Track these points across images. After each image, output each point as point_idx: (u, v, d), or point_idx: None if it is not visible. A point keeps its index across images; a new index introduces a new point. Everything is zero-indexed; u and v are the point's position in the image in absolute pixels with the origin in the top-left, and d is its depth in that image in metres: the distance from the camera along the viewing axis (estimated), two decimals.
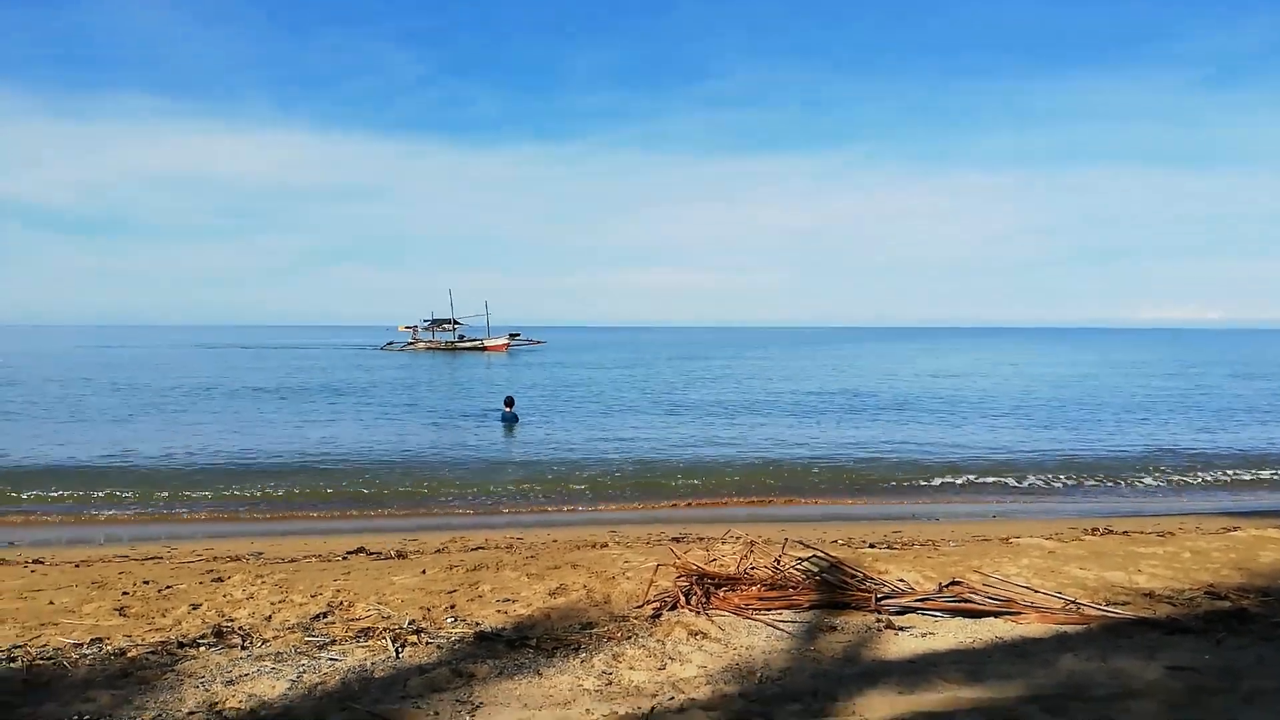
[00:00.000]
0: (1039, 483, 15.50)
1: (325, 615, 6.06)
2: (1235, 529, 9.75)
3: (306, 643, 5.34)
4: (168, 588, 7.08)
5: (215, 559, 8.74)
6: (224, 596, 6.73)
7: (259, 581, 7.19)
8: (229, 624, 5.86)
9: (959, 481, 15.50)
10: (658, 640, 5.28)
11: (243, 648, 5.26)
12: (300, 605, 6.36)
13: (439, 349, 74.85)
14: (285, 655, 5.08)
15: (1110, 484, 15.61)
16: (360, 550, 9.09)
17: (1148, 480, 15.91)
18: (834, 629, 5.53)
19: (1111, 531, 9.84)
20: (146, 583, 7.29)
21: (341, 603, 6.41)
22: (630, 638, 5.34)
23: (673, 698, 4.40)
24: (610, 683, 4.61)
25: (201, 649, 5.24)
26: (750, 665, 4.86)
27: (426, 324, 78.73)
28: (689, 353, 79.58)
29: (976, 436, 21.42)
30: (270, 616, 6.08)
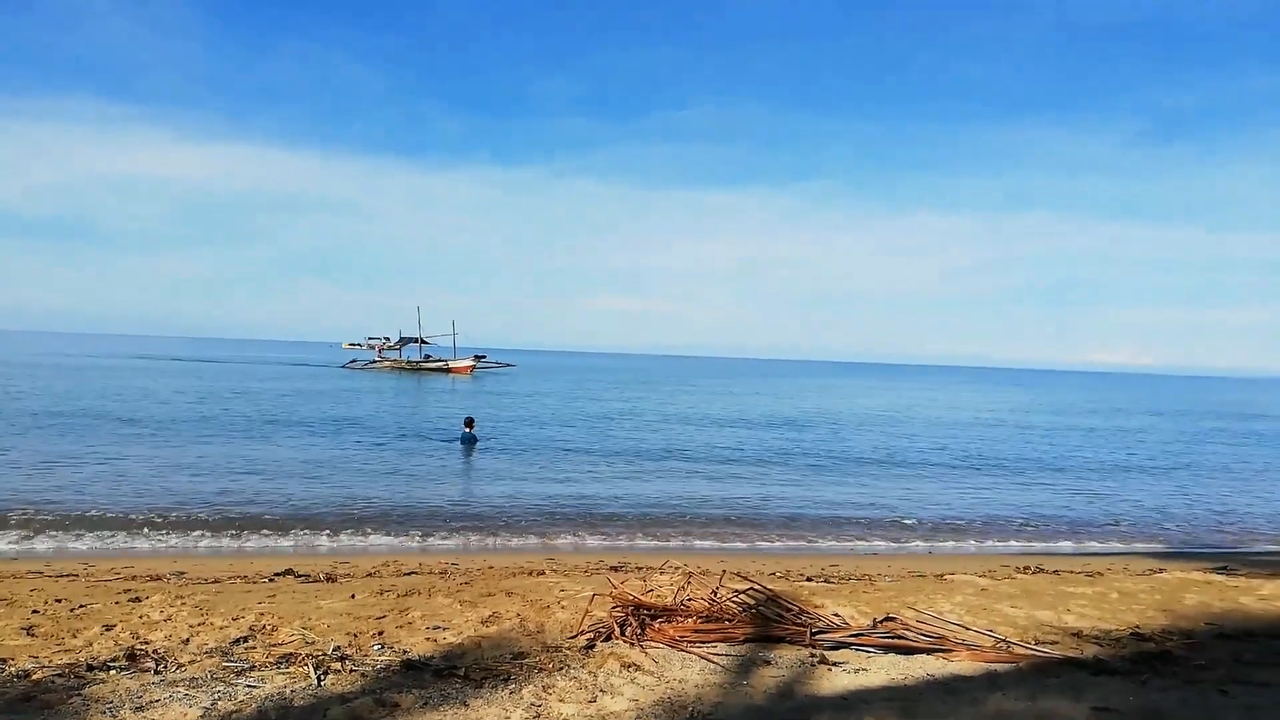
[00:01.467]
0: (974, 520, 15.73)
1: (246, 639, 5.84)
2: (1161, 570, 9.99)
3: (224, 668, 5.13)
4: (81, 607, 6.78)
5: (134, 578, 8.41)
6: (140, 617, 6.45)
7: (178, 602, 6.92)
8: (143, 646, 5.62)
9: (894, 518, 15.65)
10: (590, 672, 5.18)
11: (156, 672, 5.03)
12: (220, 628, 6.13)
13: (403, 368, 72.49)
14: (201, 681, 4.87)
15: (1038, 524, 15.90)
16: (288, 572, 8.83)
17: (1070, 520, 16.25)
18: (768, 663, 5.49)
19: (1043, 570, 10.00)
20: (59, 601, 6.98)
21: (264, 627, 6.19)
22: (562, 669, 5.24)
23: None
24: (538, 715, 4.50)
25: (112, 672, 5.00)
26: (683, 699, 4.79)
27: (375, 341, 77.71)
28: (660, 381, 78.02)
29: (913, 474, 21.71)
30: (188, 639, 5.84)
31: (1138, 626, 6.92)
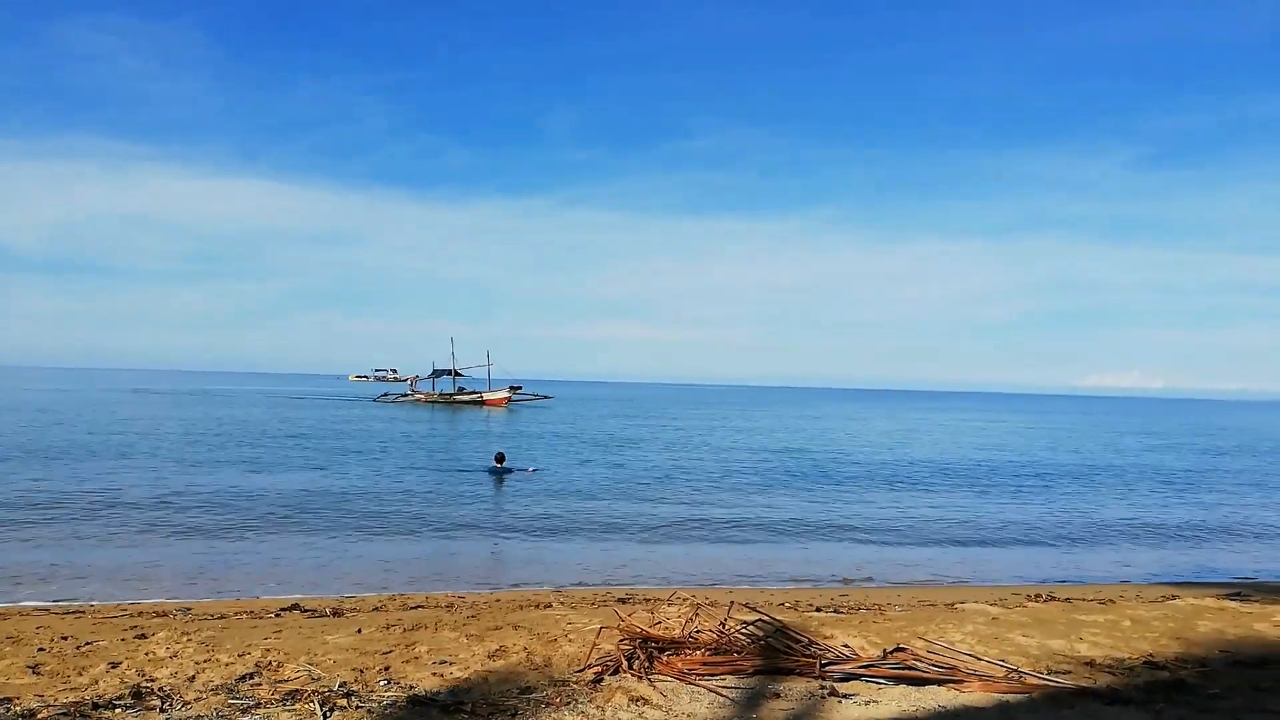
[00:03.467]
0: (985, 547, 15.62)
1: (252, 676, 5.81)
2: (1174, 597, 9.89)
3: (230, 705, 5.10)
4: (87, 644, 6.76)
5: (140, 614, 8.38)
6: (146, 654, 6.43)
7: (184, 639, 6.89)
8: (149, 684, 5.59)
9: (904, 545, 15.55)
10: (597, 706, 5.14)
11: (161, 710, 5.01)
12: (226, 665, 6.10)
13: (436, 401, 69.76)
14: (206, 718, 4.85)
15: (1052, 548, 15.78)
16: (294, 607, 8.79)
17: (1086, 546, 16.12)
18: (778, 695, 5.44)
19: (1054, 598, 9.91)
20: (65, 638, 6.95)
21: (270, 663, 6.16)
22: (569, 703, 5.20)
23: None
24: None
25: (118, 710, 4.98)
26: None
27: (382, 373, 76.92)
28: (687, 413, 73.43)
29: (919, 499, 21.59)
30: (194, 677, 5.81)
31: (1151, 655, 6.85)
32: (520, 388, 71.43)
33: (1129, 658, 6.75)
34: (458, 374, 70.84)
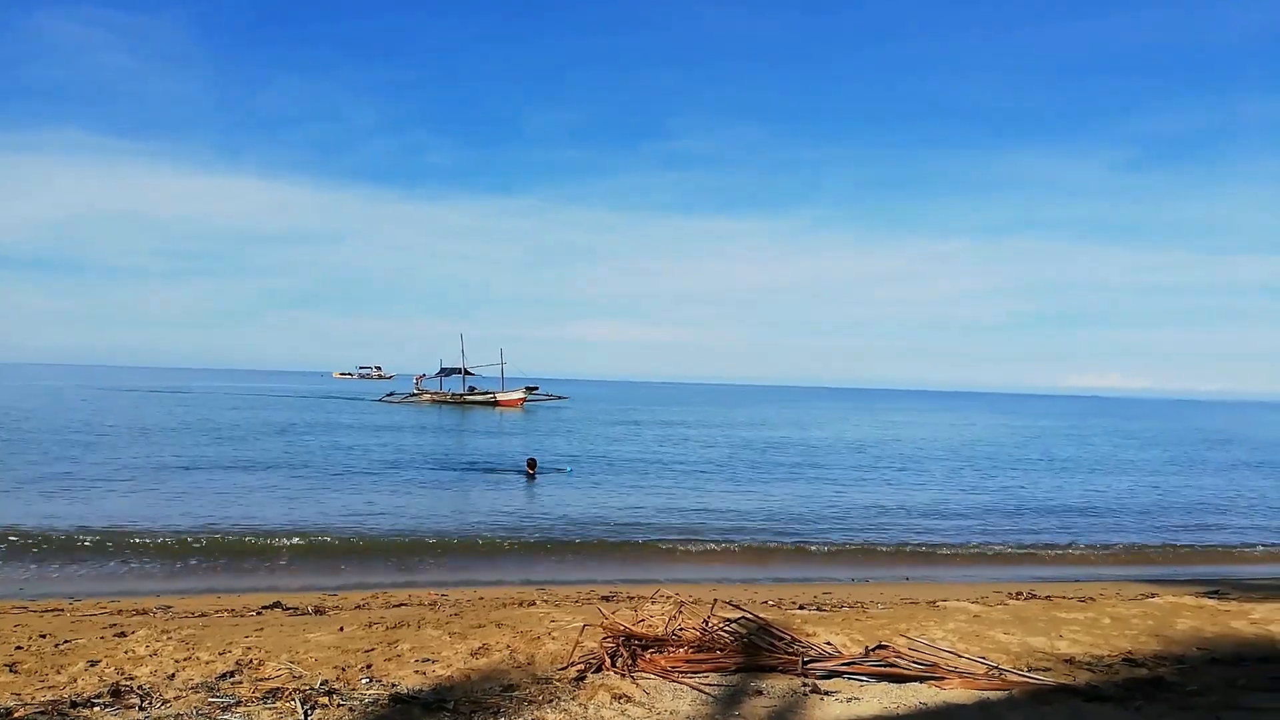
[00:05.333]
0: (967, 544, 15.72)
1: (232, 674, 5.77)
2: (1153, 595, 9.97)
3: (210, 704, 5.07)
4: (66, 642, 6.69)
5: (120, 613, 8.32)
6: (125, 653, 6.37)
7: (164, 637, 6.84)
8: (128, 682, 5.54)
9: (887, 542, 15.63)
10: (580, 704, 5.14)
11: (140, 708, 4.97)
12: (207, 663, 6.06)
13: (446, 401, 67.04)
14: (186, 717, 4.81)
15: (1032, 547, 15.91)
16: (276, 605, 8.75)
17: (1064, 545, 16.27)
18: (761, 693, 5.45)
19: (1035, 596, 9.98)
20: (43, 636, 6.89)
21: (251, 661, 6.12)
22: (552, 701, 5.19)
23: None
24: None
25: (96, 709, 4.94)
26: None
27: (366, 371, 75.38)
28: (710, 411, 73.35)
29: (903, 499, 21.70)
30: (173, 675, 5.77)
31: (1130, 652, 6.91)
32: (536, 388, 68.46)
33: (1108, 655, 6.81)
34: (468, 373, 67.81)
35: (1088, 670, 6.31)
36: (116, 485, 19.09)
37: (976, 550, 15.40)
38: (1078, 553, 15.70)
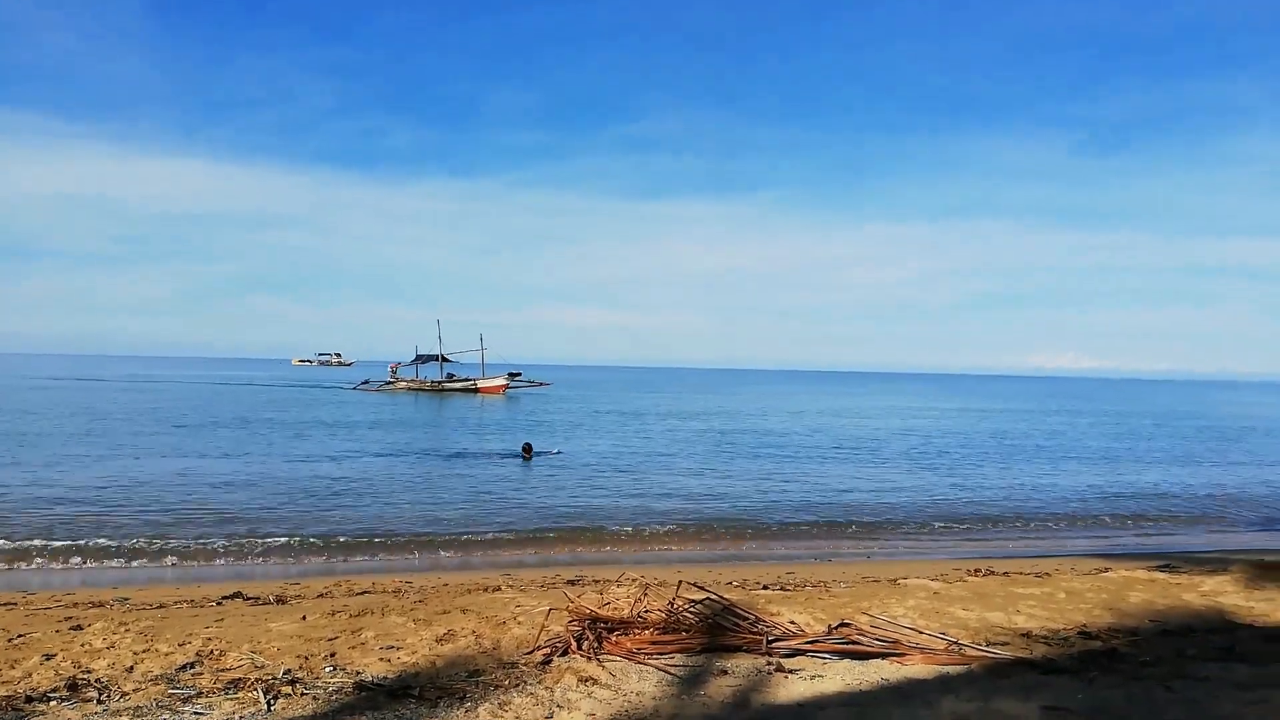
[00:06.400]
0: (926, 523, 15.97)
1: (193, 665, 5.69)
2: (1106, 570, 10.21)
3: (170, 695, 4.99)
4: (20, 636, 6.56)
5: (76, 605, 8.17)
6: (82, 646, 6.26)
7: (122, 629, 6.72)
8: (85, 676, 5.44)
9: (848, 522, 15.84)
10: (546, 688, 5.15)
11: (99, 702, 4.88)
12: (166, 655, 5.97)
13: (423, 389, 65.42)
14: (145, 710, 4.74)
15: (987, 525, 16.22)
16: (237, 595, 8.64)
17: (1021, 522, 16.62)
18: (725, 673, 5.49)
19: (993, 572, 10.17)
20: None
21: (212, 652, 6.04)
22: (518, 685, 5.19)
23: None
24: None
25: (52, 703, 4.85)
26: (640, 712, 4.78)
27: (325, 357, 73.46)
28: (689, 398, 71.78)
29: (864, 479, 21.97)
30: (132, 667, 5.67)
31: (1085, 625, 7.07)
32: (519, 374, 67.22)
33: (1064, 628, 6.97)
34: (445, 359, 66.39)
35: (1044, 644, 6.45)
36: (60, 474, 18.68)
37: (939, 529, 15.66)
38: (1034, 530, 16.04)
